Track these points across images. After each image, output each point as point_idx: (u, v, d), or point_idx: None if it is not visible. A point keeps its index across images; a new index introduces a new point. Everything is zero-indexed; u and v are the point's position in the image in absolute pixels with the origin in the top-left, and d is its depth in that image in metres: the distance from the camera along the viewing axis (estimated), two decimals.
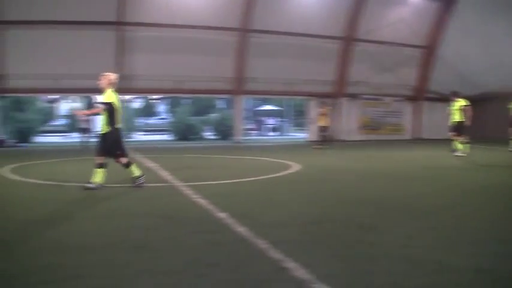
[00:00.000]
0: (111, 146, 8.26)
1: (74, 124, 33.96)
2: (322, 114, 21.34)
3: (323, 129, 21.10)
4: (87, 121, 23.25)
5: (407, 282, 3.52)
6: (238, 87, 26.54)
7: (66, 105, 49.08)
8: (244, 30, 25.59)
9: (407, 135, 30.06)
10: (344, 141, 27.08)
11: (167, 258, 4.12)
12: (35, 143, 28.79)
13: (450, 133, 15.95)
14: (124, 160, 8.38)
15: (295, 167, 12.15)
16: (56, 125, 44.28)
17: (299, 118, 40.36)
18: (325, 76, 27.77)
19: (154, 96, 46.57)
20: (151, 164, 12.96)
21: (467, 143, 15.55)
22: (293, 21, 25.71)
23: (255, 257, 4.07)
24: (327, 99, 26.78)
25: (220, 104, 41.90)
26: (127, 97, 29.25)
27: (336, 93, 28.33)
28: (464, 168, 12.35)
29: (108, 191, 8.03)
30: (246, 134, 31.60)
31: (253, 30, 25.57)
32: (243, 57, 25.97)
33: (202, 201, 6.78)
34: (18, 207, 6.72)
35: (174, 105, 42.21)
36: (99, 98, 8.43)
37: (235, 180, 9.48)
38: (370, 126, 29.28)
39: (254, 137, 35.89)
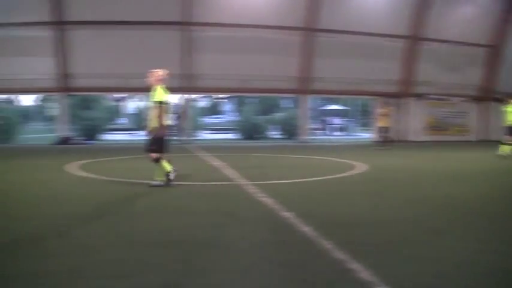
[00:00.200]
0: (154, 141, 8.27)
1: (140, 122, 34.98)
2: (383, 115, 20.92)
3: (384, 129, 20.70)
4: None
5: None
6: (304, 86, 26.50)
7: (133, 104, 50.56)
8: (310, 30, 25.55)
9: (473, 137, 29.13)
10: (410, 141, 26.54)
11: (232, 256, 4.15)
12: (101, 140, 29.71)
13: (505, 136, 15.34)
14: (154, 156, 8.28)
15: (360, 167, 12.01)
16: (122, 123, 45.72)
17: (365, 118, 39.80)
18: (391, 76, 27.38)
19: (220, 96, 47.16)
20: (217, 163, 13.16)
21: None
22: (358, 20, 25.48)
23: (320, 257, 4.05)
24: (391, 99, 26.42)
25: (286, 103, 41.86)
26: (193, 96, 29.76)
27: (402, 93, 27.82)
28: None
29: (173, 189, 8.18)
30: (311, 133, 31.46)
31: (319, 30, 25.51)
32: (309, 57, 25.91)
33: (268, 200, 6.80)
34: (84, 202, 6.91)
35: (240, 104, 42.53)
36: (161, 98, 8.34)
37: (300, 180, 9.47)
38: (435, 127, 28.53)
39: (320, 136, 35.64)
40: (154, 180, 8.31)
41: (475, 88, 29.47)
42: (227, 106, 56.62)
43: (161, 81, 8.34)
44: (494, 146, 15.91)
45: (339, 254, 4.06)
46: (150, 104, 8.33)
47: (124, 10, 23.99)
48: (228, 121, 44.97)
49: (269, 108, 39.67)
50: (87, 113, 31.78)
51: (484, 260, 4.01)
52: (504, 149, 15.02)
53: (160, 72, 8.36)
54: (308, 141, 27.40)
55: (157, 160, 8.33)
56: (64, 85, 25.11)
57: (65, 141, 24.90)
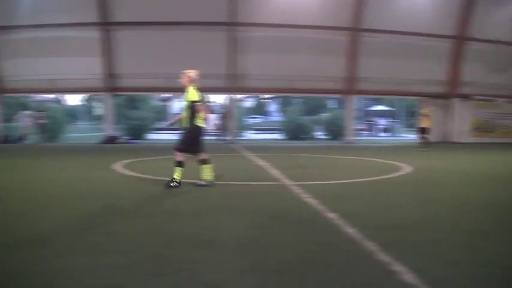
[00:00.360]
0: (186, 141, 8.31)
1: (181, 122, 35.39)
2: (423, 116, 20.50)
3: (424, 131, 20.32)
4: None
5: None
6: (350, 87, 26.32)
7: (178, 104, 51.23)
8: (355, 30, 25.35)
9: None
10: (455, 143, 25.96)
11: (274, 256, 4.17)
12: (147, 140, 29.99)
13: None
14: (180, 157, 8.25)
15: (406, 168, 11.88)
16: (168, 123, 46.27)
17: (411, 119, 39.19)
18: (436, 76, 26.91)
19: (266, 96, 47.31)
20: (261, 163, 13.24)
21: None
22: (404, 20, 25.13)
23: (364, 259, 4.05)
24: (436, 100, 25.99)
25: (331, 103, 41.64)
26: (238, 96, 29.99)
27: (447, 93, 27.19)
28: None
29: (217, 188, 8.27)
30: (357, 134, 31.19)
31: (364, 30, 25.29)
32: (354, 57, 25.71)
33: (312, 201, 6.82)
34: (128, 201, 7.06)
35: (285, 104, 42.54)
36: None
37: (345, 181, 9.44)
38: (481, 128, 27.77)
39: (365, 137, 35.31)
40: (201, 180, 8.40)
41: None
42: (272, 106, 56.73)
43: (193, 81, 8.40)
44: None
45: (383, 256, 4.07)
46: (184, 104, 8.38)
47: (169, 11, 24.34)
48: (273, 121, 45.02)
49: (314, 108, 39.55)
50: (134, 112, 32.36)
51: None
52: None
53: (192, 73, 8.41)
54: (353, 142, 27.18)
55: (203, 161, 8.42)
56: (110, 85, 25.67)
57: (111, 140, 25.47)
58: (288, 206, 6.70)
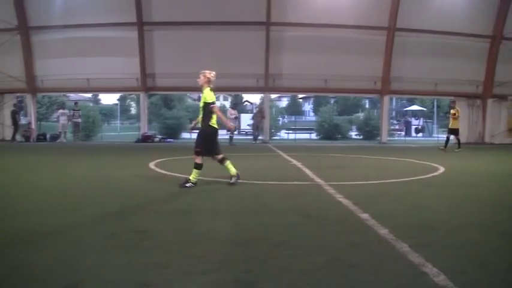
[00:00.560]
0: (201, 143, 8.37)
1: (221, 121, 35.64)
2: (453, 116, 20.06)
3: (453, 131, 19.92)
4: (234, 119, 24.35)
5: None
6: (384, 86, 26.12)
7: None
8: (390, 29, 25.08)
9: None
10: (490, 144, 25.47)
11: (307, 256, 4.19)
12: (182, 139, 30.28)
13: None
14: (198, 160, 8.31)
15: (440, 169, 11.76)
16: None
17: (445, 119, 38.62)
18: (471, 76, 26.34)
19: (300, 95, 47.29)
20: (295, 162, 13.28)
21: None
22: (438, 19, 24.83)
23: (395, 260, 4.05)
24: (470, 100, 25.62)
25: (365, 103, 41.38)
26: (272, 96, 30.05)
27: (482, 94, 26.66)
28: None
29: (251, 187, 8.35)
30: (391, 134, 30.87)
31: (399, 29, 25.04)
32: (389, 56, 25.48)
33: (345, 201, 6.83)
34: (164, 200, 7.17)
35: (319, 104, 42.44)
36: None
37: (379, 181, 9.39)
38: None
39: (399, 137, 34.95)
40: (231, 178, 8.49)
41: None
42: (307, 106, 56.70)
43: (210, 82, 8.46)
44: None
45: (415, 257, 4.06)
46: (212, 106, 8.35)
47: (204, 10, 24.60)
48: (307, 121, 44.95)
49: (348, 108, 39.37)
50: (168, 112, 32.68)
51: None
52: None
53: (210, 74, 8.47)
54: (387, 142, 26.95)
55: (222, 161, 8.50)
56: (145, 84, 26.05)
57: (146, 139, 25.86)
58: (322, 205, 6.71)
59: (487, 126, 26.96)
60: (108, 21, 24.63)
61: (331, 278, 3.62)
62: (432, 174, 10.75)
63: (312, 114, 60.17)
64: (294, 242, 4.67)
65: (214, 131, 8.49)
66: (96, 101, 69.94)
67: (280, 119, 39.89)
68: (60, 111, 26.66)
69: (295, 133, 32.46)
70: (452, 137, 19.89)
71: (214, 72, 8.54)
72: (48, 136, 26.90)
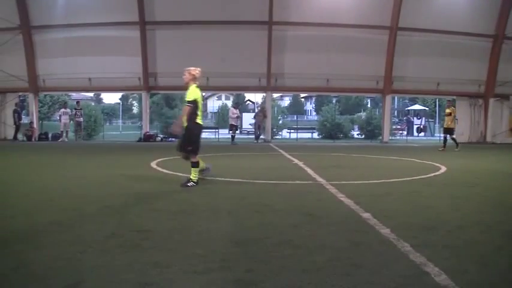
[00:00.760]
0: (185, 139, 8.35)
1: (222, 120, 35.68)
2: (448, 115, 20.03)
3: (449, 131, 19.91)
4: (236, 118, 24.36)
5: None
6: (386, 86, 26.10)
7: (215, 103, 51.58)
8: (393, 29, 25.07)
9: None
10: (492, 143, 25.46)
11: (309, 255, 4.18)
12: None
13: None
14: (194, 158, 8.31)
15: (441, 168, 11.76)
16: (205, 121, 46.73)
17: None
18: (473, 75, 26.29)
19: (302, 95, 47.29)
20: (297, 162, 13.27)
21: None
22: (440, 19, 24.79)
23: (397, 260, 4.04)
24: (472, 100, 25.60)
25: (367, 103, 41.40)
26: (274, 95, 30.07)
27: (485, 93, 26.62)
28: None
29: (253, 186, 8.36)
30: (393, 133, 30.85)
31: (402, 28, 25.02)
32: (391, 56, 25.44)
33: (347, 201, 6.82)
34: (165, 199, 7.16)
35: (321, 103, 42.46)
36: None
37: (380, 181, 9.39)
38: None
39: (401, 137, 34.95)
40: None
41: None
42: (309, 105, 56.78)
43: (195, 79, 8.38)
44: None
45: (416, 257, 4.05)
46: (188, 105, 8.25)
47: (207, 10, 24.60)
48: (309, 120, 44.97)
49: (350, 107, 39.40)
50: (171, 111, 32.68)
51: None
52: None
53: (195, 71, 8.38)
54: (389, 142, 26.93)
55: (194, 165, 8.38)
56: (147, 84, 26.06)
57: (148, 138, 25.88)
58: (323, 205, 6.70)
59: (488, 126, 26.92)
60: (110, 21, 24.65)
61: (332, 277, 3.60)
62: (434, 174, 10.74)
63: (313, 113, 60.18)
64: (295, 242, 4.65)
65: (201, 128, 8.56)
66: (98, 100, 70.08)
67: (282, 118, 39.88)
68: (62, 110, 26.66)
69: (297, 132, 32.47)
70: (448, 136, 19.95)
71: (199, 69, 8.45)
72: (50, 135, 26.94)
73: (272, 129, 28.87)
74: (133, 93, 42.09)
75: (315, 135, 34.51)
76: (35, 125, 26.67)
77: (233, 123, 24.51)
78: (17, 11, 24.89)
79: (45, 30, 25.44)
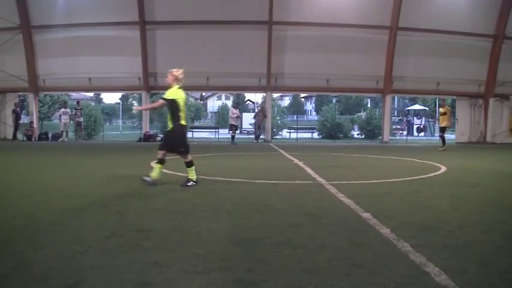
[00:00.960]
0: (174, 142, 8.35)
1: (222, 120, 35.64)
2: (442, 115, 20.03)
3: (443, 129, 19.94)
4: (236, 118, 24.36)
5: None
6: (386, 86, 26.09)
7: (215, 103, 51.61)
8: (393, 28, 25.06)
9: None
10: (492, 143, 25.49)
11: (308, 255, 4.18)
12: None
13: None
14: (188, 158, 8.36)
15: (441, 168, 11.77)
16: (205, 121, 46.76)
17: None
18: (474, 75, 26.28)
19: (302, 95, 47.29)
20: (297, 161, 13.27)
21: None
22: (441, 19, 24.80)
23: (397, 259, 4.04)
24: (472, 99, 25.62)
25: (367, 102, 41.40)
26: (274, 95, 30.07)
27: (485, 93, 26.61)
28: None
29: (253, 186, 8.36)
30: (393, 133, 30.85)
31: (402, 28, 25.01)
32: (391, 56, 25.44)
33: (347, 200, 6.82)
34: (165, 199, 7.16)
35: (321, 103, 42.46)
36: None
37: (380, 181, 9.39)
38: None
39: (401, 137, 34.95)
40: (147, 176, 8.38)
41: None
42: (308, 105, 56.79)
43: (178, 80, 8.42)
44: None
45: (416, 257, 4.05)
46: (161, 101, 8.49)
47: (207, 10, 24.60)
48: (309, 120, 44.97)
49: (350, 107, 39.39)
50: None
51: None
52: None
53: (177, 72, 8.44)
54: (389, 141, 26.93)
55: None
56: (147, 83, 26.04)
57: (148, 138, 25.87)
58: (323, 205, 6.70)
59: (488, 126, 26.92)
60: (110, 21, 24.64)
61: (332, 277, 3.59)
62: (434, 174, 10.75)
63: (314, 113, 60.19)
64: (295, 242, 4.65)
65: (185, 129, 8.64)
66: (98, 100, 70.08)
67: (282, 118, 39.88)
68: (62, 110, 26.66)
69: (297, 132, 32.45)
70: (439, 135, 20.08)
71: (182, 70, 8.48)
72: (50, 135, 26.94)
73: (272, 129, 28.87)
74: (133, 93, 42.04)
75: (315, 135, 34.50)
76: (35, 125, 26.66)
77: (233, 123, 24.52)
78: (17, 10, 24.88)
79: (45, 30, 25.44)
